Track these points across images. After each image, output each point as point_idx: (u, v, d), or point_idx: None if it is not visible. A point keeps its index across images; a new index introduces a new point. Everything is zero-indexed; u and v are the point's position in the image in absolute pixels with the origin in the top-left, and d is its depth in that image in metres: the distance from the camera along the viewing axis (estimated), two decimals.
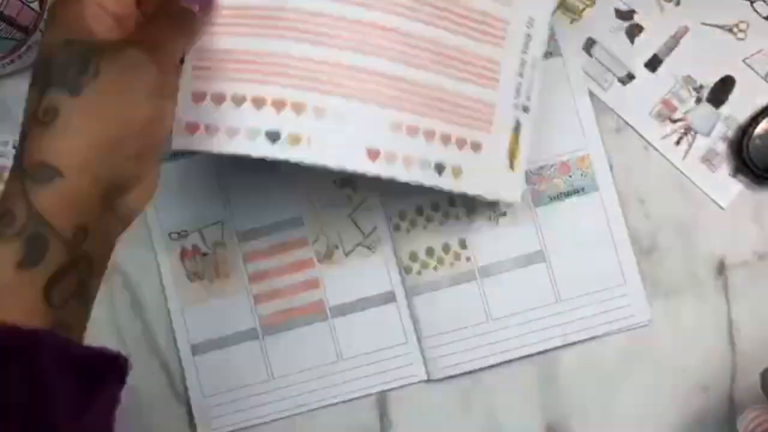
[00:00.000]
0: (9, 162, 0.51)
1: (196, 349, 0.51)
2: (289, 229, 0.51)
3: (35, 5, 0.48)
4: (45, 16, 0.49)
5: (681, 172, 0.51)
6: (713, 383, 0.50)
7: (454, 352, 0.50)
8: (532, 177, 0.51)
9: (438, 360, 0.50)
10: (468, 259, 0.50)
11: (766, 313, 0.50)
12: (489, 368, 0.50)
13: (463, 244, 0.51)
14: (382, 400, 0.51)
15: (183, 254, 0.51)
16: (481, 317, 0.50)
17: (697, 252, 0.51)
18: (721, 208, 0.51)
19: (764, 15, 0.51)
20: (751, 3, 0.52)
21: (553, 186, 0.51)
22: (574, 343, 0.50)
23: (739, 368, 0.50)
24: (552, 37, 0.51)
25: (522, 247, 0.50)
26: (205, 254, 0.51)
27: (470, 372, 0.50)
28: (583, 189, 0.51)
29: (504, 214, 0.51)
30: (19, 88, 0.52)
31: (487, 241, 0.51)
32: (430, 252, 0.50)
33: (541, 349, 0.50)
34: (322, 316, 0.51)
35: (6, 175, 0.51)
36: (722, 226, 0.51)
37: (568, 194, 0.51)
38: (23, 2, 0.47)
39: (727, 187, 0.51)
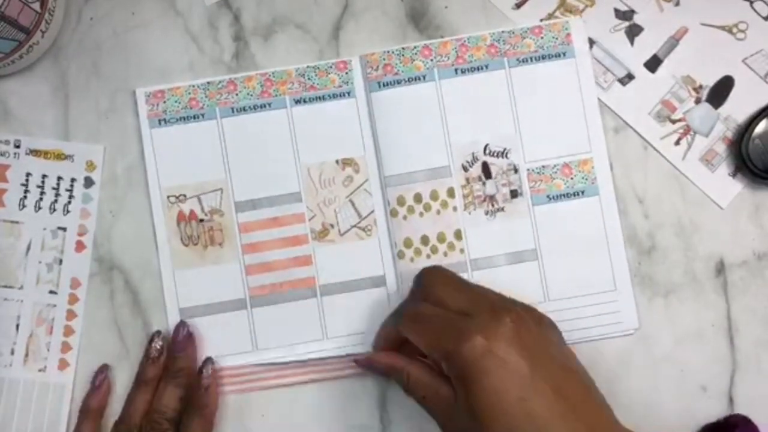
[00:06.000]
0: (8, 162, 0.51)
1: (183, 313, 0.51)
2: (287, 203, 0.51)
3: (36, 5, 0.48)
4: (45, 16, 0.49)
5: (680, 172, 0.51)
6: (713, 383, 0.50)
7: None
8: (532, 175, 0.51)
9: None
10: (462, 250, 0.51)
11: (766, 312, 0.50)
12: None
13: (458, 235, 0.51)
14: (381, 400, 0.51)
15: (179, 218, 0.51)
16: None
17: (697, 252, 0.51)
18: (721, 208, 0.51)
19: (764, 15, 0.51)
20: (751, 3, 0.52)
21: (553, 186, 0.51)
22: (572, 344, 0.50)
23: (739, 368, 0.50)
24: (567, 38, 0.51)
25: (516, 244, 0.51)
26: (201, 220, 0.51)
27: None
28: (583, 192, 0.51)
29: (502, 209, 0.51)
30: (19, 88, 0.52)
31: (482, 235, 0.51)
32: (424, 240, 0.51)
33: None
34: (311, 293, 0.51)
35: (7, 174, 0.51)
36: (721, 226, 0.51)
37: (567, 196, 0.51)
38: (24, 2, 0.47)
39: (726, 187, 0.51)
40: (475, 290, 0.44)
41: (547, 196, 0.51)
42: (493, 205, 0.51)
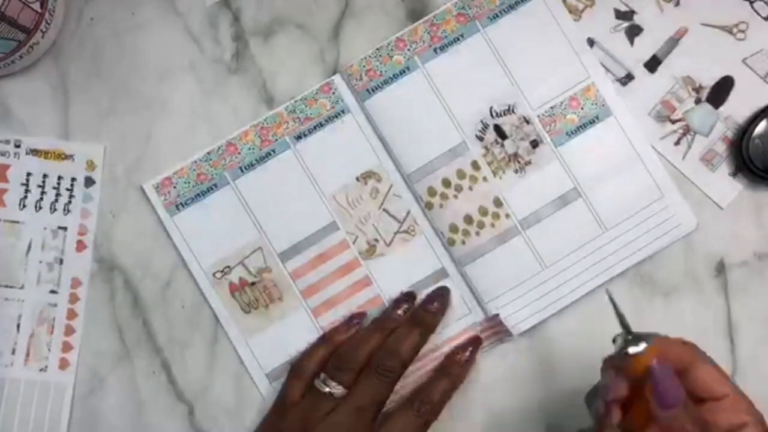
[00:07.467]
0: (9, 162, 0.52)
1: (271, 377, 0.51)
2: (326, 236, 0.51)
3: (36, 5, 0.48)
4: (45, 16, 0.49)
5: (680, 172, 0.51)
6: None
7: (520, 308, 0.50)
8: (544, 119, 0.51)
9: (506, 320, 0.50)
10: (507, 215, 0.50)
11: (766, 312, 0.50)
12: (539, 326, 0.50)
13: (498, 203, 0.50)
14: None
15: (232, 289, 0.51)
16: (535, 267, 0.50)
17: (697, 252, 0.51)
18: (721, 208, 0.51)
19: (764, 15, 0.51)
20: (751, 3, 0.52)
21: (567, 122, 0.51)
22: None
23: (739, 368, 0.50)
24: None
25: (555, 190, 0.50)
26: (253, 283, 0.51)
27: (541, 323, 0.50)
28: (597, 117, 0.51)
29: (529, 162, 0.51)
30: (19, 88, 0.52)
31: (521, 193, 0.50)
32: (468, 220, 0.50)
33: (603, 281, 0.50)
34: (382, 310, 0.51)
35: (7, 173, 0.51)
36: (722, 226, 0.51)
37: (584, 126, 0.51)
38: (24, 2, 0.47)
39: (726, 187, 0.51)
40: (735, 387, 0.38)
41: (567, 134, 0.51)
42: (519, 162, 0.51)
